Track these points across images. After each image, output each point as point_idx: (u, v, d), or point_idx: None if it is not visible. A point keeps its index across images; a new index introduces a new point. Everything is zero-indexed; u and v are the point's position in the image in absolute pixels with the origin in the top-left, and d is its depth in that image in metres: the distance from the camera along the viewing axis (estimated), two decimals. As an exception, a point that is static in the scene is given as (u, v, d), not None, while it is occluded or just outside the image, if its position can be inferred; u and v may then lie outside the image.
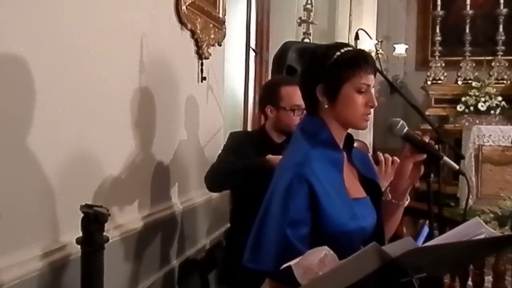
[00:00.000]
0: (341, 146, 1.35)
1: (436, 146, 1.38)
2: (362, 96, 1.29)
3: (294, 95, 2.00)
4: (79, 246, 1.48)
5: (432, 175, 1.35)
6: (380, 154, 1.80)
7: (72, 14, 1.62)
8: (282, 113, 2.03)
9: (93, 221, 1.43)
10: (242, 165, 1.97)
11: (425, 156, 1.32)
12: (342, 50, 1.29)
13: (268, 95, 2.10)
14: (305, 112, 2.00)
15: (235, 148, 2.09)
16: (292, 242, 1.18)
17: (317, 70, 1.30)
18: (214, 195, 2.88)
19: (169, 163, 2.37)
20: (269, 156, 1.88)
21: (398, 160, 1.78)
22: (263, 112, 2.13)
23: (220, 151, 2.16)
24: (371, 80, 1.31)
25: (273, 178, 1.34)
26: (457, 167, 1.38)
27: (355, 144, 1.46)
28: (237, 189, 2.15)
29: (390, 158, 1.80)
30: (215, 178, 2.06)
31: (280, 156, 1.80)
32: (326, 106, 1.30)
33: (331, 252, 1.09)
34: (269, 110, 2.06)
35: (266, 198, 1.29)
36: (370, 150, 5.08)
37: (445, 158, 1.34)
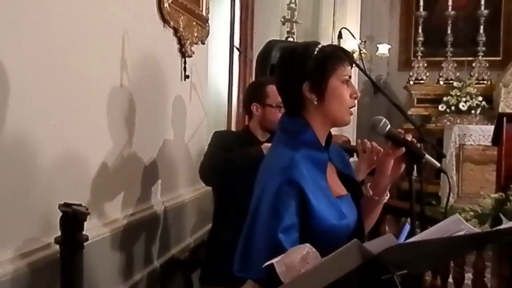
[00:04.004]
0: (323, 145, 1.35)
1: (418, 145, 1.40)
2: (346, 88, 1.32)
3: None
4: (58, 246, 1.46)
5: (414, 173, 1.36)
6: (367, 142, 1.82)
7: (53, 10, 1.59)
8: (268, 110, 2.06)
9: (72, 220, 1.41)
10: (240, 154, 1.96)
11: (404, 150, 1.34)
12: (320, 46, 1.33)
13: (254, 93, 2.13)
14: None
15: (221, 144, 2.09)
16: (285, 247, 1.16)
17: (300, 69, 1.30)
18: (199, 193, 2.86)
19: (152, 161, 2.35)
20: (265, 145, 1.88)
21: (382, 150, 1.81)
22: (247, 111, 2.15)
23: (206, 150, 2.14)
24: (351, 71, 1.35)
25: (257, 183, 1.30)
26: (438, 165, 1.40)
27: (340, 142, 1.46)
28: (219, 188, 2.14)
29: (377, 148, 1.84)
30: (215, 169, 2.00)
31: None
32: (316, 103, 1.30)
33: (313, 249, 1.08)
34: (254, 108, 2.09)
35: (253, 204, 1.26)
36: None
37: (427, 156, 1.35)
